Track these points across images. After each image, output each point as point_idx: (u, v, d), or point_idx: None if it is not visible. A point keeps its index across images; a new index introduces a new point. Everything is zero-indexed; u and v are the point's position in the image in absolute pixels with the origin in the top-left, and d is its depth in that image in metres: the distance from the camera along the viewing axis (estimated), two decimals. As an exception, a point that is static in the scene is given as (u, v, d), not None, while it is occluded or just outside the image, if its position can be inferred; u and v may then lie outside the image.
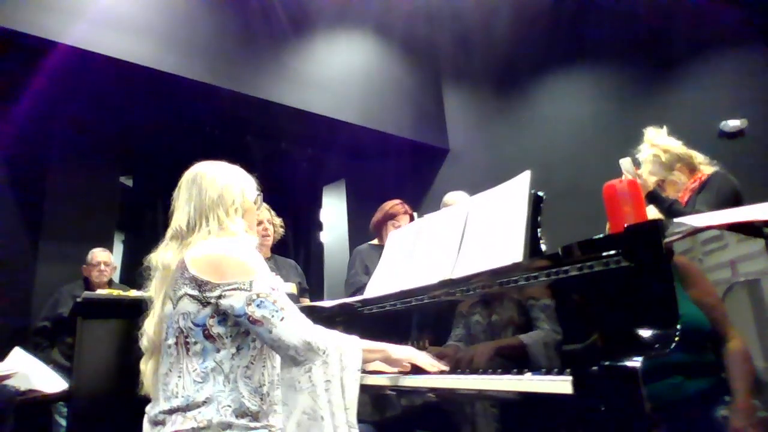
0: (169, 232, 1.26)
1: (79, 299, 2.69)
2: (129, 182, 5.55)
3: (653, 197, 2.22)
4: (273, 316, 1.11)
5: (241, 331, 1.15)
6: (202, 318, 1.12)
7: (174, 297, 1.17)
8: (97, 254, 3.50)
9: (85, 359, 2.52)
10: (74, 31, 3.20)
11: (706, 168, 2.33)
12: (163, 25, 3.64)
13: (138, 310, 2.72)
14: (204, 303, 1.12)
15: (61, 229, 3.91)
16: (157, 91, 3.90)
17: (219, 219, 1.23)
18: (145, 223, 5.43)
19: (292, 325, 1.12)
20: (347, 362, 1.16)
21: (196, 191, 1.25)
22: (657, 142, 2.37)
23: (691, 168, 2.33)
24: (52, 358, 3.17)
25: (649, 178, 2.37)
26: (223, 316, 1.13)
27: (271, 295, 1.13)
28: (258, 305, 1.11)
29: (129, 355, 2.60)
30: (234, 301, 1.11)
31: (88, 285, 3.39)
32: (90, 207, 4.10)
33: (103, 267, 3.46)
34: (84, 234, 3.91)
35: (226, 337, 1.13)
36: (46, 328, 3.30)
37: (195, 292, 1.13)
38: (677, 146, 2.35)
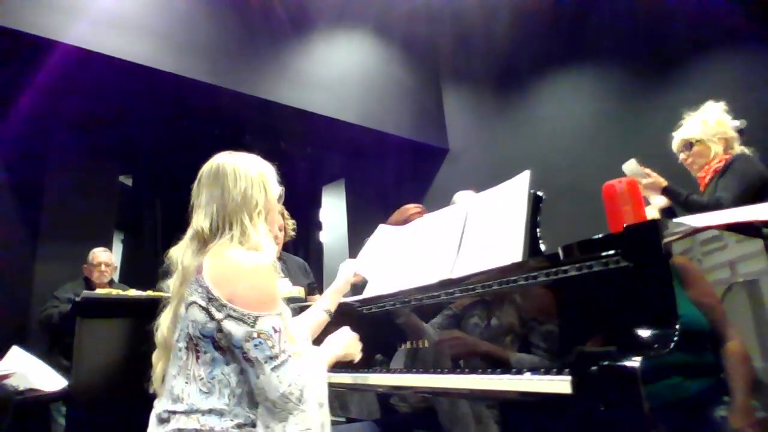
0: (190, 232, 1.23)
1: (78, 298, 2.69)
2: (128, 181, 5.56)
3: (668, 192, 2.19)
4: (266, 362, 1.07)
5: None
6: (210, 331, 1.11)
7: (186, 301, 1.15)
8: (98, 255, 3.49)
9: (84, 358, 2.52)
10: (74, 30, 3.20)
11: (733, 150, 2.28)
12: (161, 25, 3.63)
13: (137, 309, 2.73)
14: (211, 317, 1.11)
15: (60, 229, 3.91)
16: (156, 90, 3.90)
17: (243, 225, 1.19)
18: (144, 223, 5.44)
19: (280, 375, 1.08)
20: (323, 398, 1.15)
21: (219, 192, 1.21)
22: (711, 110, 2.35)
23: (726, 147, 2.28)
24: (53, 358, 3.17)
25: (687, 133, 2.34)
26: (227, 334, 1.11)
27: (272, 338, 1.09)
28: (255, 345, 1.07)
29: (128, 354, 2.62)
30: (234, 329, 1.08)
31: (89, 284, 3.39)
32: (89, 206, 4.10)
33: (103, 268, 3.46)
34: (83, 233, 3.91)
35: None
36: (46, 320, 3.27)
37: (204, 303, 1.11)
38: (727, 122, 2.32)
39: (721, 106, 2.38)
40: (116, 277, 3.86)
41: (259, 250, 1.19)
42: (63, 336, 3.03)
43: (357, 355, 1.46)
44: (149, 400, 1.25)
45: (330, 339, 1.42)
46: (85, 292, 2.74)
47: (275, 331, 1.10)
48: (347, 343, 1.43)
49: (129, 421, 1.74)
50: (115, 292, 2.94)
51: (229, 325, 1.08)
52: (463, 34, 5.00)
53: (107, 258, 3.52)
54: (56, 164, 4.06)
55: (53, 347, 3.24)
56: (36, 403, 2.76)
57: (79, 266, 3.53)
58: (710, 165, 2.27)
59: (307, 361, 1.18)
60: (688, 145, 2.34)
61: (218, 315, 1.09)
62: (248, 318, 1.08)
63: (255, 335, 1.07)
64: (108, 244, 3.99)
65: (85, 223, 4.01)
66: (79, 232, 3.91)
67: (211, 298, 1.10)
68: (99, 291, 3.04)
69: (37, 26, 3.07)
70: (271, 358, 1.08)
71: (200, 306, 1.11)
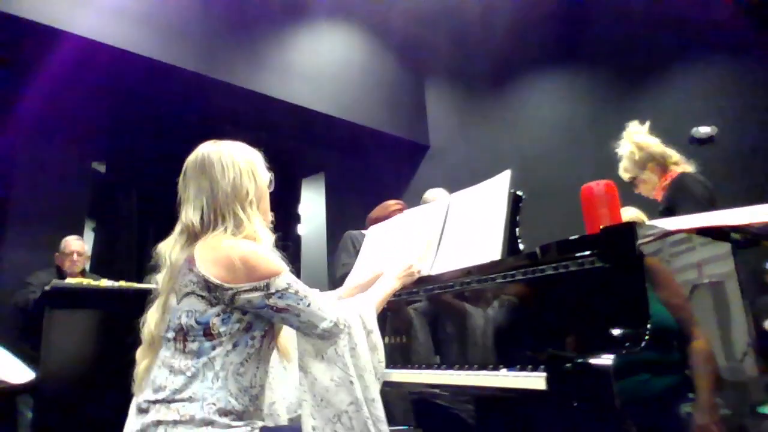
0: (179, 226, 1.21)
1: (47, 288, 2.61)
2: (101, 168, 5.41)
3: None
4: (299, 303, 1.14)
5: (242, 328, 1.13)
6: (208, 316, 1.10)
7: (179, 293, 1.14)
8: (71, 243, 3.39)
9: (52, 350, 2.45)
10: (56, 14, 3.10)
11: (678, 167, 2.33)
12: (142, 9, 3.54)
13: (109, 300, 2.67)
14: (213, 303, 1.11)
15: (30, 215, 3.79)
16: (133, 75, 3.80)
17: (236, 216, 1.17)
18: (117, 212, 5.30)
19: (319, 308, 1.16)
20: (371, 325, 1.26)
21: (207, 184, 1.18)
22: (635, 139, 2.38)
23: (663, 167, 2.34)
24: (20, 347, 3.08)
25: (623, 174, 2.40)
26: (229, 313, 1.11)
27: (291, 287, 1.13)
28: (279, 297, 1.12)
29: (99, 346, 2.56)
30: (251, 296, 1.10)
31: (61, 274, 3.30)
32: (60, 193, 3.98)
33: (75, 257, 3.36)
34: (53, 221, 3.80)
35: (225, 335, 1.11)
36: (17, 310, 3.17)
37: (204, 293, 1.11)
38: (654, 144, 2.36)
39: (631, 133, 2.40)
40: (88, 267, 3.76)
41: (257, 240, 1.18)
42: (33, 325, 2.95)
43: (417, 274, 1.55)
44: (120, 393, 1.22)
45: (381, 279, 1.48)
46: (55, 281, 2.66)
47: (289, 284, 1.14)
48: (399, 273, 1.50)
49: (99, 414, 1.71)
50: (86, 281, 2.87)
51: (244, 297, 1.10)
52: (448, 33, 5.02)
53: (80, 247, 3.43)
54: (27, 148, 3.93)
55: (23, 336, 3.14)
56: (1, 394, 2.68)
57: (47, 254, 3.43)
58: (660, 184, 2.34)
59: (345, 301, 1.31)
60: (633, 179, 2.42)
61: (226, 296, 1.10)
62: (259, 285, 1.11)
63: (274, 291, 1.11)
64: (79, 232, 3.88)
65: (55, 210, 3.89)
66: (49, 220, 3.79)
67: (210, 287, 1.10)
68: (69, 280, 2.96)
69: (15, 7, 2.95)
70: (301, 299, 1.14)
71: (199, 295, 1.11)
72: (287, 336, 1.28)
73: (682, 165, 2.35)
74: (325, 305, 1.18)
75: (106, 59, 3.50)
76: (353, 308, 1.27)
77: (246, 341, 1.14)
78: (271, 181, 1.31)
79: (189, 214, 1.19)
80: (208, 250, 1.13)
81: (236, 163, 1.22)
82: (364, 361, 1.19)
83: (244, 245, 1.14)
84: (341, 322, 1.19)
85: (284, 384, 1.37)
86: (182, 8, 3.76)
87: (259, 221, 1.22)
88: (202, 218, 1.17)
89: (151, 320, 1.19)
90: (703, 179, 2.30)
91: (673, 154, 2.36)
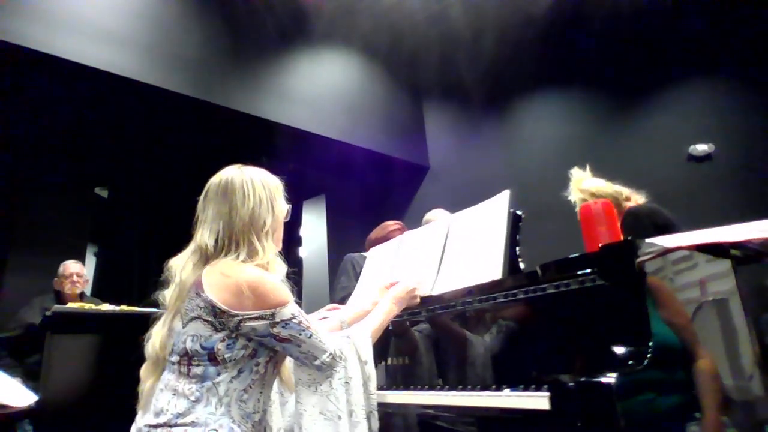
0: (192, 246, 1.22)
1: (48, 312, 2.60)
2: (104, 193, 5.45)
3: None
4: (301, 335, 1.15)
5: (246, 354, 1.13)
6: (213, 342, 1.10)
7: (185, 316, 1.14)
8: (69, 266, 3.40)
9: (53, 376, 2.43)
10: (54, 41, 3.16)
11: (630, 202, 2.24)
12: (144, 37, 3.61)
13: (110, 324, 2.65)
14: (219, 329, 1.11)
15: (32, 240, 3.81)
16: (135, 102, 3.86)
17: (250, 245, 1.19)
18: (118, 236, 5.32)
19: (320, 340, 1.18)
20: (365, 356, 1.27)
21: (226, 209, 1.20)
22: (584, 187, 2.29)
23: (618, 206, 2.21)
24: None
25: None
26: (234, 339, 1.12)
27: (294, 318, 1.15)
28: (283, 326, 1.13)
29: (100, 370, 2.54)
30: (256, 325, 1.11)
31: (60, 298, 3.29)
32: (62, 217, 4.00)
33: (75, 278, 3.36)
34: (55, 245, 3.81)
35: (230, 361, 1.11)
36: (10, 339, 3.16)
37: (210, 318, 1.11)
38: (604, 186, 2.28)
39: (578, 181, 2.33)
40: (88, 291, 3.75)
41: (269, 270, 1.19)
42: (31, 351, 2.93)
43: (418, 298, 1.55)
44: (120, 418, 1.21)
45: (381, 303, 1.47)
46: (56, 306, 2.65)
47: (293, 315, 1.15)
48: (400, 296, 1.50)
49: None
50: (87, 306, 2.86)
51: (249, 324, 1.11)
52: (446, 54, 5.10)
53: (79, 269, 3.43)
54: (30, 173, 3.97)
55: (28, 354, 3.12)
56: (2, 420, 2.64)
57: (49, 279, 3.43)
58: (618, 222, 2.30)
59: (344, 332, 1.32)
60: None
61: (231, 323, 1.10)
62: (265, 313, 1.12)
63: (279, 320, 1.13)
64: (81, 257, 3.89)
65: (57, 235, 3.91)
66: (51, 244, 3.81)
67: (216, 313, 1.10)
68: (71, 305, 2.95)
69: (17, 36, 3.02)
70: (304, 330, 1.15)
71: (205, 320, 1.11)
72: (290, 367, 1.28)
73: (633, 198, 2.26)
74: (326, 338, 1.20)
75: (107, 86, 3.55)
76: (349, 339, 1.27)
77: (251, 368, 1.14)
78: (288, 212, 1.33)
79: (204, 237, 1.20)
80: (217, 276, 1.14)
81: (258, 192, 1.24)
82: (357, 395, 1.20)
83: (253, 272, 1.15)
84: (338, 355, 1.21)
85: (283, 411, 1.36)
86: (182, 35, 3.83)
87: (273, 252, 1.24)
88: (216, 242, 1.19)
89: (156, 337, 1.18)
90: (646, 209, 2.16)
91: (623, 190, 2.27)
